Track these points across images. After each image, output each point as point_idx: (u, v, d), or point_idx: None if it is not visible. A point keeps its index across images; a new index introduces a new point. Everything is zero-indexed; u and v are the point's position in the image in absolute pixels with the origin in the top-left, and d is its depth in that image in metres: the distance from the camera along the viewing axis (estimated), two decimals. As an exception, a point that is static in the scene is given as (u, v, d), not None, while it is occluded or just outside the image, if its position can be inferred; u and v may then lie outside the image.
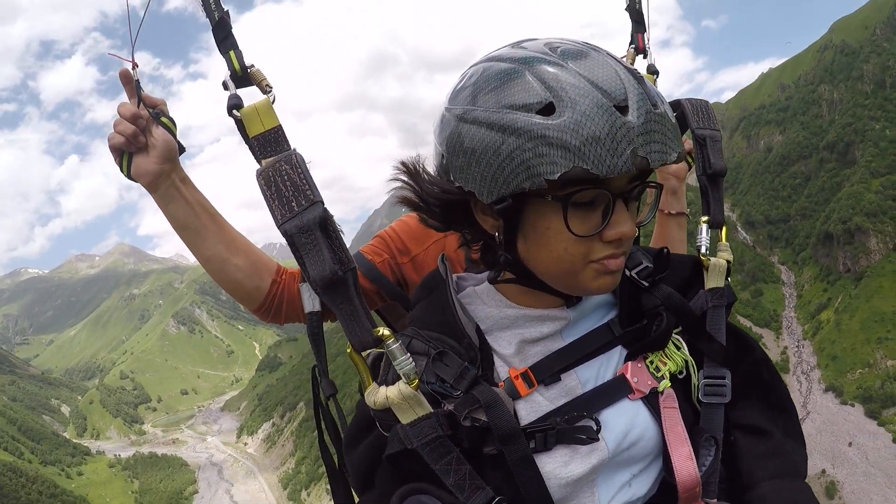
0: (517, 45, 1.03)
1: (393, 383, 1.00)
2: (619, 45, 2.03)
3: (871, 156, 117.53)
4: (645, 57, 1.93)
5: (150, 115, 1.41)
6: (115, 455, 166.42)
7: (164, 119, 1.43)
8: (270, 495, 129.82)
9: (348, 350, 1.04)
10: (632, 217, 1.02)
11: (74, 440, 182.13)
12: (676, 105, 1.33)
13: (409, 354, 1.00)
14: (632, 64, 1.83)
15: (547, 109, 0.90)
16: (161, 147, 1.39)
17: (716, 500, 1.11)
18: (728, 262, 1.27)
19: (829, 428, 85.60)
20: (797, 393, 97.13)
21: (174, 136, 1.44)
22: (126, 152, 1.40)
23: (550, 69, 0.93)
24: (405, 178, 1.10)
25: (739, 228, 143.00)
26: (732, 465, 1.16)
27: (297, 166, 1.03)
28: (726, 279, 1.26)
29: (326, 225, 0.99)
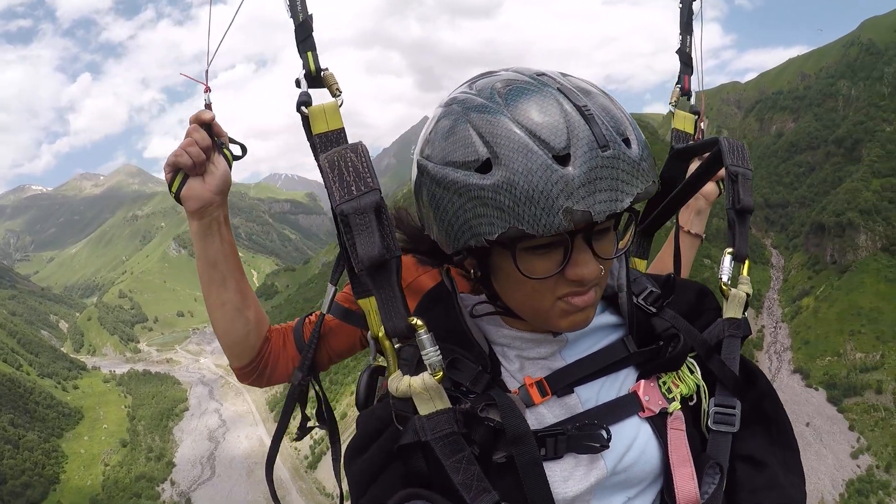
0: (472, 83, 1.04)
1: (417, 373, 1.01)
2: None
3: (877, 156, 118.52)
4: (689, 98, 1.95)
5: (216, 143, 1.41)
6: (111, 371, 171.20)
7: (226, 151, 1.43)
8: (257, 414, 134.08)
9: (380, 335, 1.07)
10: (603, 251, 1.01)
11: (71, 355, 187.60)
12: (714, 142, 1.34)
13: (437, 346, 1.00)
14: (675, 103, 1.88)
15: (484, 167, 0.91)
16: (219, 177, 1.41)
17: None
18: (748, 294, 1.28)
19: (791, 407, 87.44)
20: (766, 370, 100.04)
21: (231, 168, 1.44)
22: (182, 173, 1.39)
23: (491, 119, 0.94)
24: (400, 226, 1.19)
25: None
26: (730, 497, 1.16)
27: (362, 155, 1.05)
28: (744, 312, 1.26)
29: (381, 211, 1.01)
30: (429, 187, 1.00)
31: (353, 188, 1.02)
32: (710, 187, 2.04)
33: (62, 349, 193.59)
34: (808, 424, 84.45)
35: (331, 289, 1.47)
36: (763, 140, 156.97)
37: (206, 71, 1.37)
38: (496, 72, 1.04)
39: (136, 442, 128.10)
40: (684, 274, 1.99)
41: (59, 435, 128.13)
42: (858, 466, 78.33)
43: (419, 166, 1.03)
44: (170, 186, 1.41)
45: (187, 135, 1.38)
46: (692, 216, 2.07)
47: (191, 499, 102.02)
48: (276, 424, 1.53)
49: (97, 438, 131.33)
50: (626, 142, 0.94)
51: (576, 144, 0.89)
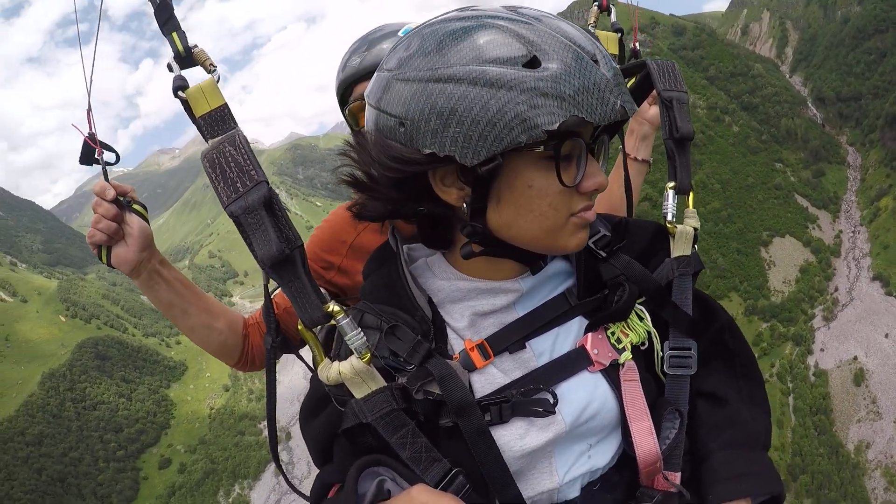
0: (466, 9, 0.99)
1: (345, 358, 1.00)
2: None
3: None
4: (609, 15, 1.94)
5: (123, 204, 1.42)
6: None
7: (135, 206, 1.44)
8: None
9: (299, 327, 1.03)
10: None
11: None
12: (642, 66, 1.29)
13: (359, 329, 0.99)
14: (595, 24, 1.92)
15: (532, 63, 0.90)
16: (138, 235, 1.42)
17: (678, 473, 1.10)
18: (695, 228, 1.24)
19: (870, 317, 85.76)
20: (844, 279, 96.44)
21: (147, 221, 1.45)
22: (105, 245, 1.44)
23: (519, 23, 0.93)
24: (354, 155, 1.03)
25: (810, 104, 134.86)
26: (691, 435, 1.15)
27: (241, 146, 1.02)
28: (693, 246, 1.22)
29: (271, 204, 0.98)
30: (452, 90, 0.89)
31: (238, 185, 0.98)
32: (654, 112, 2.02)
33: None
34: (886, 336, 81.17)
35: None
36: (829, 28, 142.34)
37: (89, 111, 1.30)
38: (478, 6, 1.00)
39: (238, 386, 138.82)
40: (634, 200, 2.03)
41: (167, 386, 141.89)
42: (937, 383, 74.10)
43: (427, 76, 0.91)
44: (99, 258, 1.45)
45: (94, 210, 1.40)
46: (638, 142, 2.05)
47: (290, 433, 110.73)
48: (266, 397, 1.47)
49: (201, 386, 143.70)
50: None
51: (597, 54, 0.93)
